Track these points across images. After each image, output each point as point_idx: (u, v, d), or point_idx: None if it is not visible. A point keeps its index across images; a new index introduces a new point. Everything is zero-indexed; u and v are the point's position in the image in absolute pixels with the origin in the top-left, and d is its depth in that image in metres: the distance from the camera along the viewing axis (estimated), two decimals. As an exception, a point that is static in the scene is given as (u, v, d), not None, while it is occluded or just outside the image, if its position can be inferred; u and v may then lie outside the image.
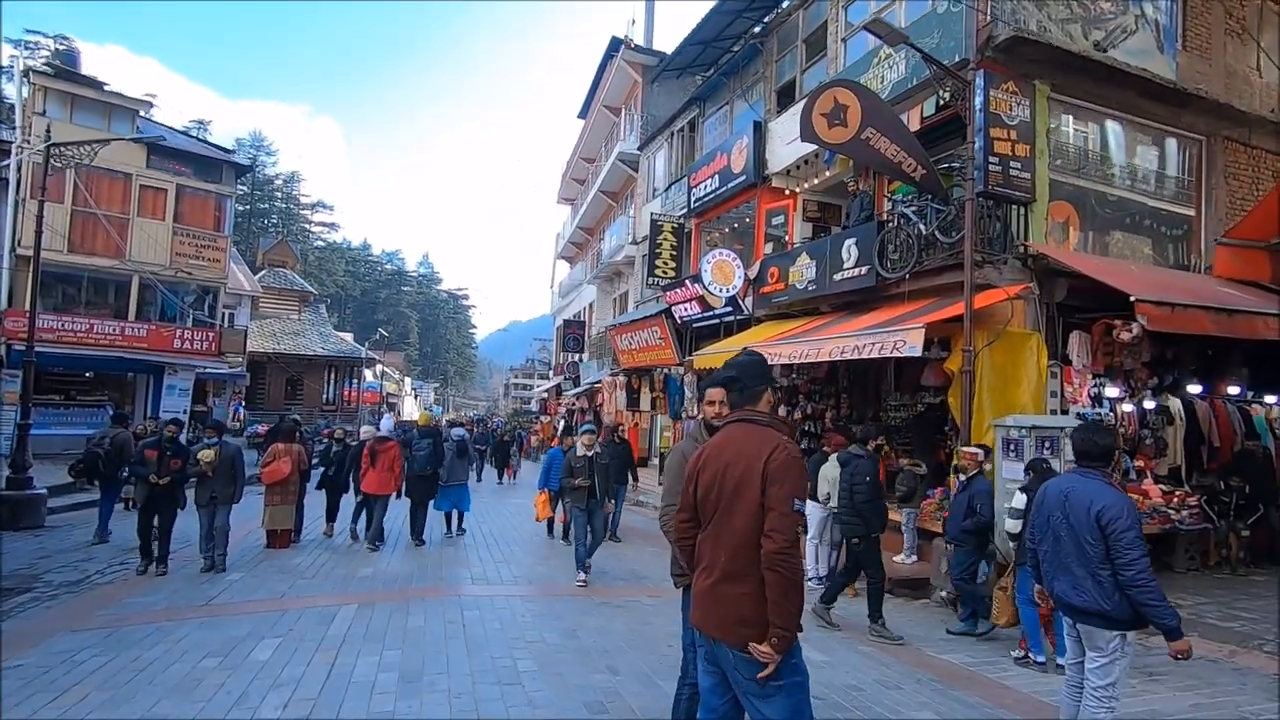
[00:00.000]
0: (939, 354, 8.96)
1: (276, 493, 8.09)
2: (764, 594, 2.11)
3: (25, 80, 15.12)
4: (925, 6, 9.08)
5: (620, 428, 9.20)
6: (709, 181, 14.13)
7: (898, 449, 10.04)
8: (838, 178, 11.70)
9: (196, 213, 16.59)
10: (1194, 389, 8.66)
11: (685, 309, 13.94)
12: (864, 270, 9.16)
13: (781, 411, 11.29)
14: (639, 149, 19.41)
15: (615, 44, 22.73)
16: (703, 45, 14.28)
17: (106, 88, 15.72)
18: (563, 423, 29.13)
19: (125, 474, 8.58)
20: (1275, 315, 7.41)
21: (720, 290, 11.83)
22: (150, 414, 14.35)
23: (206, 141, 18.00)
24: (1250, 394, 9.25)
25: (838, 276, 9.66)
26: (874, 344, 7.54)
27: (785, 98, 12.56)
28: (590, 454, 7.42)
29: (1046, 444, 6.69)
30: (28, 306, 10.60)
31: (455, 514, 9.89)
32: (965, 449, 7.05)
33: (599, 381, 19.74)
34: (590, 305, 25.07)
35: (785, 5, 12.54)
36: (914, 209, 8.50)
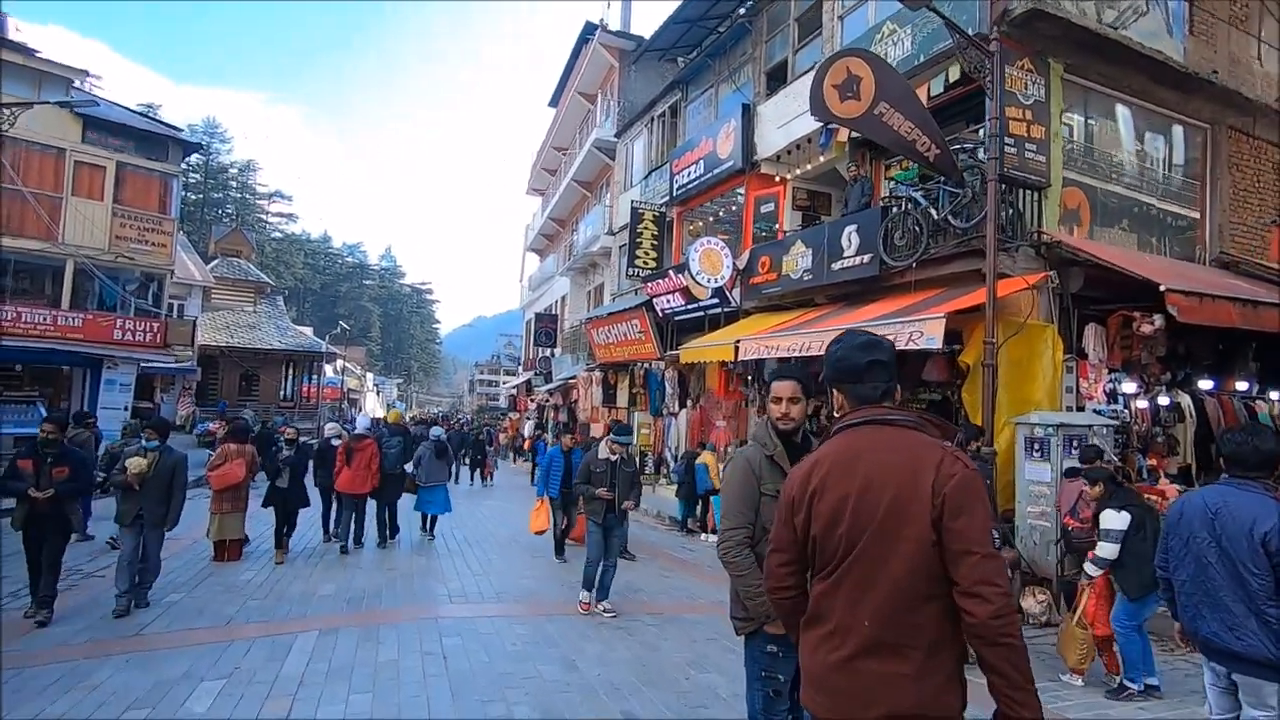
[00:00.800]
0: (948, 347, 8.53)
1: (226, 499, 7.20)
2: (933, 673, 1.48)
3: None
4: (934, -22, 8.55)
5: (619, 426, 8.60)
6: (693, 168, 13.51)
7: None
8: (831, 164, 11.19)
9: (139, 193, 15.27)
10: (1205, 384, 8.34)
11: (668, 301, 13.32)
12: (866, 258, 8.63)
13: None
14: (616, 136, 18.69)
15: (589, 28, 21.94)
16: (687, 24, 13.64)
17: (38, 55, 14.38)
18: (531, 420, 28.33)
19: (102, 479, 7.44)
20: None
21: (708, 280, 11.22)
22: (88, 410, 13.14)
23: (151, 117, 16.69)
24: (1255, 389, 9.00)
25: (836, 266, 9.12)
26: (887, 335, 6.99)
27: (775, 81, 11.99)
28: (615, 459, 6.25)
29: (1074, 443, 6.24)
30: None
31: (430, 516, 9.55)
32: None
33: (573, 377, 19.01)
34: (563, 298, 24.27)
35: (776, -18, 11.98)
36: (921, 192, 8.00)
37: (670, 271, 12.91)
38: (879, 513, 1.52)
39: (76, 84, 14.90)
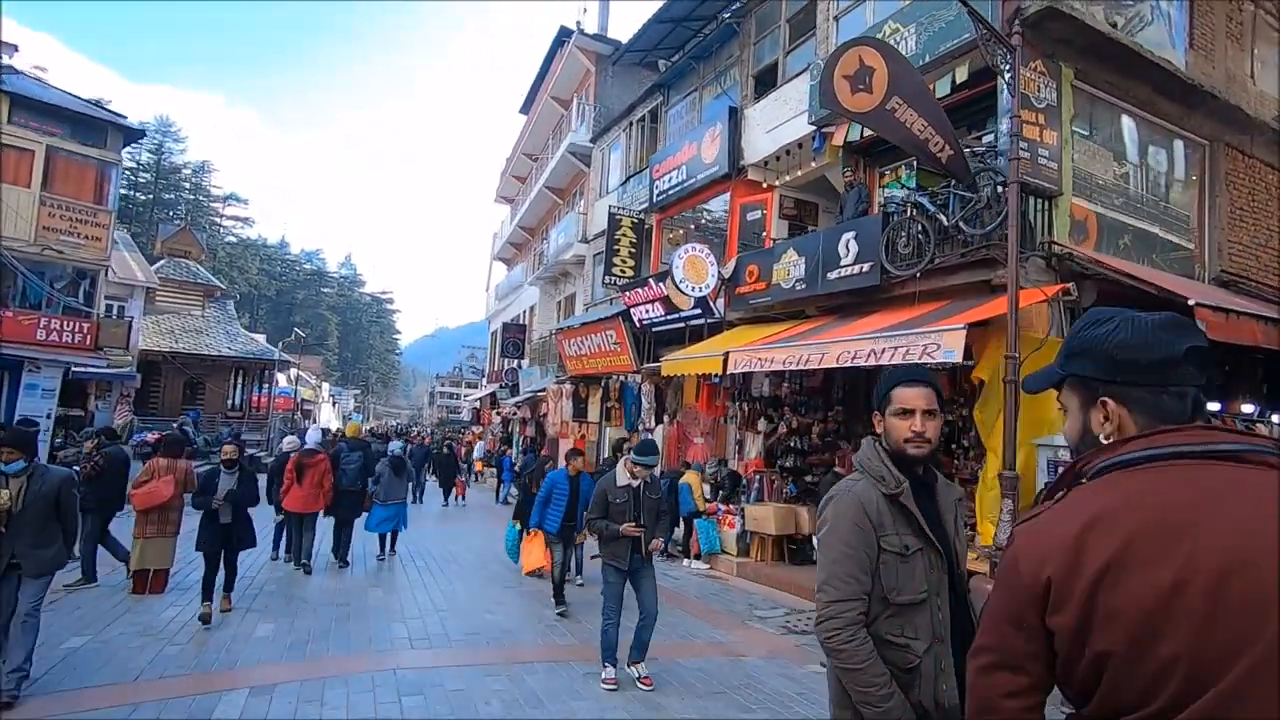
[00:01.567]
0: (948, 363, 8.05)
1: (152, 522, 6.22)
2: None
3: None
4: (940, -25, 8.17)
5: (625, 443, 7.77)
6: (675, 173, 12.95)
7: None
8: (821, 171, 10.74)
9: (72, 181, 13.97)
10: (1212, 406, 8.01)
11: (646, 311, 12.67)
12: (866, 267, 8.12)
13: (763, 425, 10.15)
14: (591, 141, 18.08)
15: (564, 33, 21.41)
16: (671, 24, 13.13)
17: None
18: (484, 443, 27.23)
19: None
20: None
21: (692, 289, 10.61)
22: (2, 419, 11.84)
23: (90, 100, 15.41)
24: (1257, 412, 8.73)
25: (833, 275, 8.59)
26: (899, 348, 6.46)
27: (763, 85, 11.53)
28: (637, 485, 4.99)
29: (1103, 468, 5.76)
30: None
31: (390, 535, 9.11)
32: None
33: (542, 390, 18.18)
34: (531, 308, 23.44)
35: (766, -17, 11.56)
36: (926, 196, 7.53)
37: (650, 280, 12.29)
38: (1266, 618, 0.81)
39: (6, 59, 13.64)
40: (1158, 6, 8.54)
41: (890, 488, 1.76)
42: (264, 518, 7.35)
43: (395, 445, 9.87)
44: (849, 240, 8.38)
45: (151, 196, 63.25)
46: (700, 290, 10.63)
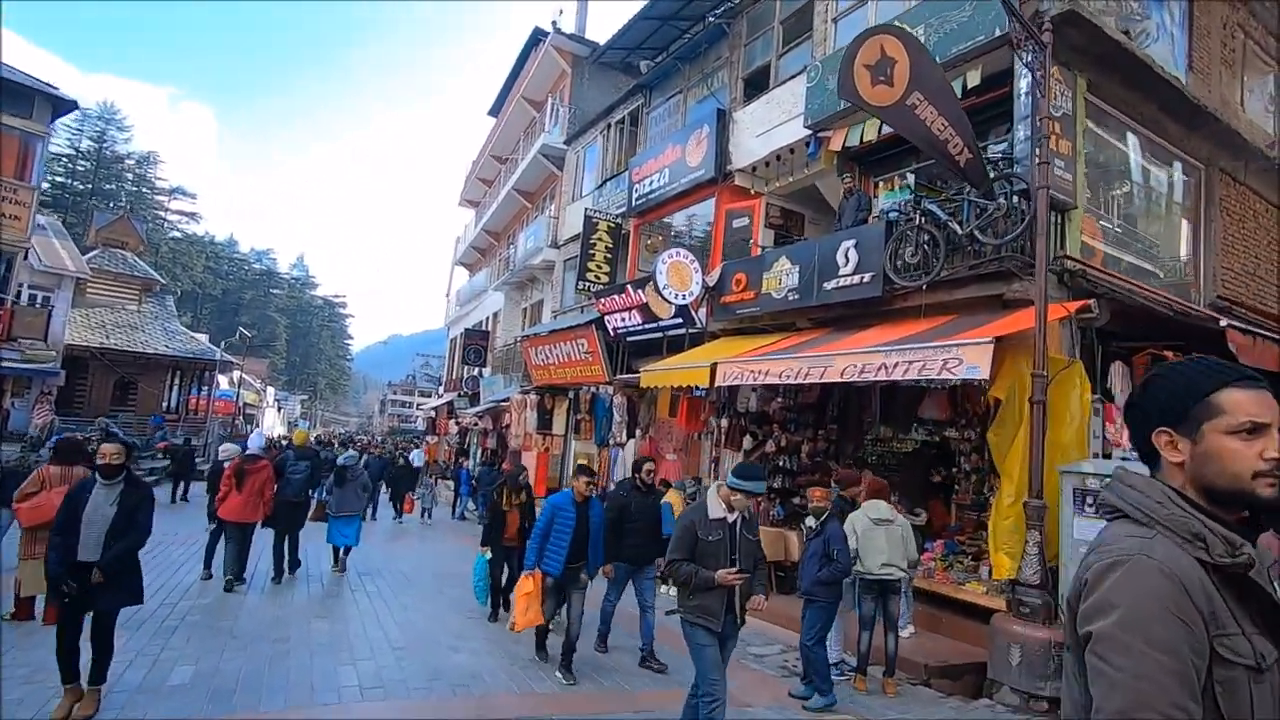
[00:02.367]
0: (946, 382, 7.62)
1: (41, 539, 5.23)
2: None
3: None
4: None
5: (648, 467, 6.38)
6: (656, 176, 12.40)
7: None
8: (812, 179, 10.32)
9: (-10, 153, 12.66)
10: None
11: (622, 319, 12.03)
12: (867, 278, 7.64)
13: (747, 443, 9.57)
14: (566, 143, 17.45)
15: (539, 34, 20.82)
16: (658, 21, 12.64)
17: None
18: (443, 445, 26.08)
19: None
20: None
21: (675, 296, 10.01)
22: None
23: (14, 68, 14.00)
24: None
25: (830, 285, 8.10)
26: (914, 362, 5.95)
27: (754, 88, 11.10)
28: (734, 519, 3.83)
29: (1135, 498, 5.33)
30: None
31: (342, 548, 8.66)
32: (816, 488, 5.88)
33: (505, 399, 17.30)
34: (495, 315, 22.54)
35: (760, -17, 11.15)
36: (936, 204, 7.10)
37: (628, 286, 11.66)
38: None
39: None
40: (1163, 25, 8.39)
41: (1222, 553, 1.08)
42: (195, 525, 6.42)
43: (349, 455, 9.02)
44: (849, 249, 7.91)
45: (90, 186, 60.02)
46: (684, 298, 10.04)
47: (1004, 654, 5.17)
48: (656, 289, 10.01)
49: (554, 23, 19.59)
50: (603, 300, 12.39)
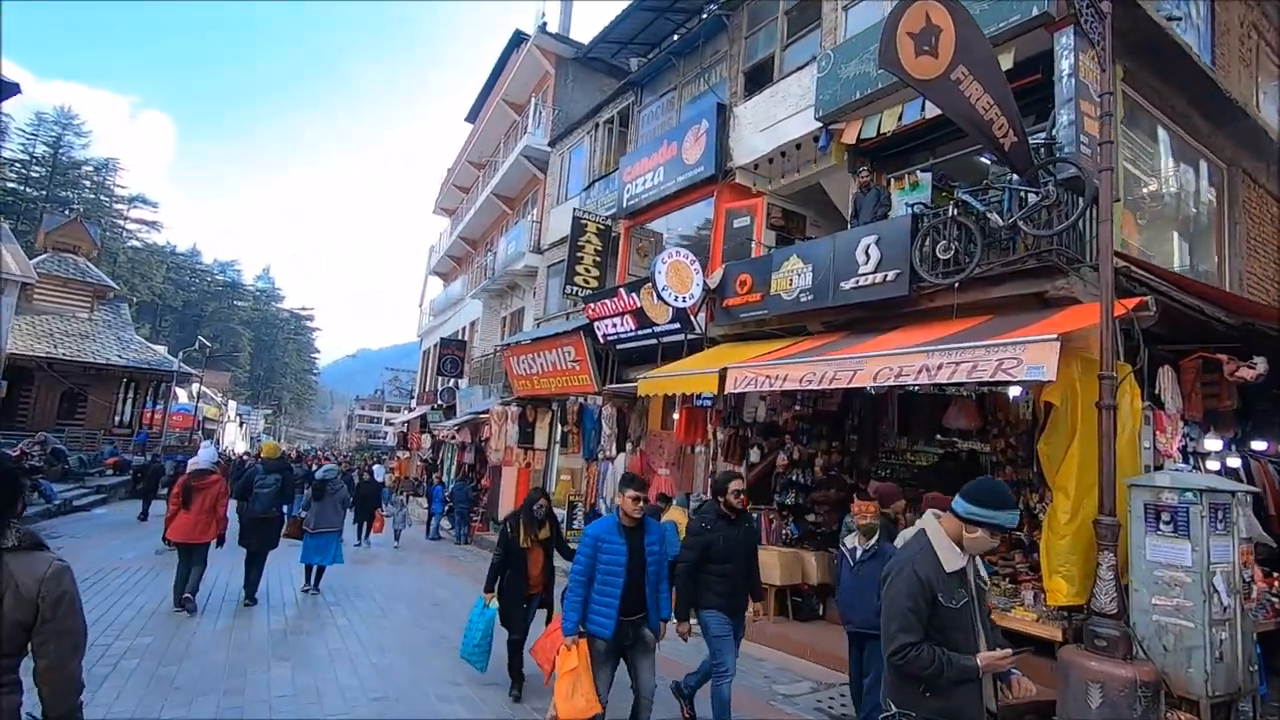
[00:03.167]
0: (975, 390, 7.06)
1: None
2: None
3: None
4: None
5: (736, 493, 4.61)
6: (650, 175, 11.78)
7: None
8: (818, 176, 9.79)
9: (-81, 139, 11.53)
10: (1258, 445, 7.28)
11: (614, 325, 11.33)
12: (891, 276, 7.05)
13: (754, 456, 8.89)
14: (550, 145, 16.78)
15: (520, 36, 20.23)
16: (653, 12, 12.10)
17: None
18: (382, 465, 24.64)
19: None
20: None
21: (675, 299, 9.34)
22: None
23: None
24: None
25: (848, 285, 7.49)
26: (963, 363, 5.33)
27: (754, 83, 10.57)
28: (966, 566, 2.55)
29: (1218, 514, 4.74)
30: None
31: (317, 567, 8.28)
32: (862, 501, 5.08)
33: (485, 411, 16.42)
34: (473, 324, 21.64)
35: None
36: (969, 193, 6.55)
37: (621, 290, 10.96)
38: None
39: None
40: (1190, 19, 8.05)
41: None
42: (144, 547, 5.50)
43: (328, 469, 8.62)
44: (869, 245, 7.32)
45: (45, 192, 57.64)
46: (684, 300, 9.37)
47: (1080, 695, 4.52)
48: (655, 290, 9.33)
49: (542, 23, 18.98)
50: (593, 305, 11.68)
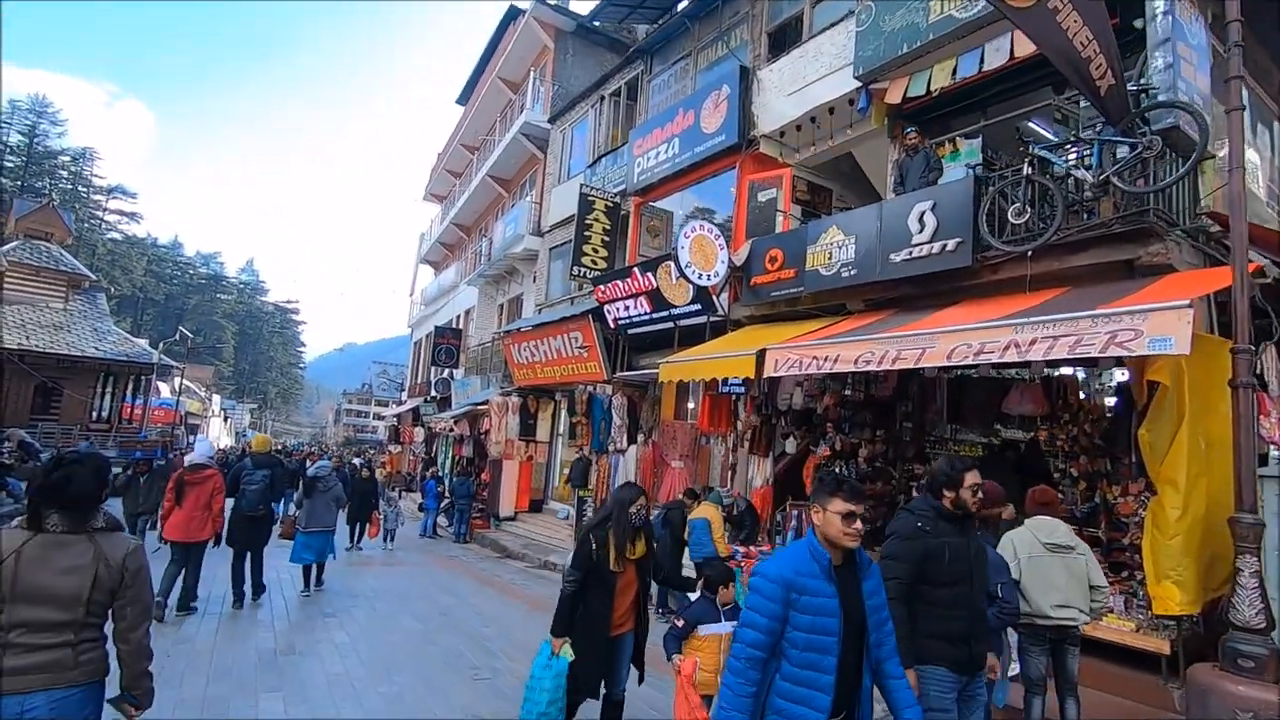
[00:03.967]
0: (1041, 371, 6.36)
1: None
2: None
3: None
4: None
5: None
6: (664, 147, 10.99)
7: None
8: (851, 144, 9.07)
9: None
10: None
11: (625, 309, 10.57)
12: (951, 245, 6.32)
13: (789, 446, 8.17)
14: (550, 121, 15.92)
15: (514, 11, 19.29)
16: (669, -29, 11.25)
17: None
18: (397, 454, 24.13)
19: None
20: None
21: (699, 277, 8.59)
22: None
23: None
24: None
25: (899, 256, 6.76)
26: (1062, 337, 4.61)
27: (778, 46, 9.80)
28: None
29: (1376, 511, 4.07)
30: None
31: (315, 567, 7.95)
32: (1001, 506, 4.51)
33: (483, 403, 15.60)
34: (467, 313, 20.78)
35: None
36: (1047, 149, 5.82)
37: (635, 270, 10.19)
38: None
39: None
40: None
41: None
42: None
43: (321, 464, 7.96)
44: (924, 212, 6.57)
45: (20, 182, 55.94)
46: (709, 279, 8.63)
47: (1208, 707, 3.83)
48: (678, 267, 8.57)
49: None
50: (603, 287, 10.90)
